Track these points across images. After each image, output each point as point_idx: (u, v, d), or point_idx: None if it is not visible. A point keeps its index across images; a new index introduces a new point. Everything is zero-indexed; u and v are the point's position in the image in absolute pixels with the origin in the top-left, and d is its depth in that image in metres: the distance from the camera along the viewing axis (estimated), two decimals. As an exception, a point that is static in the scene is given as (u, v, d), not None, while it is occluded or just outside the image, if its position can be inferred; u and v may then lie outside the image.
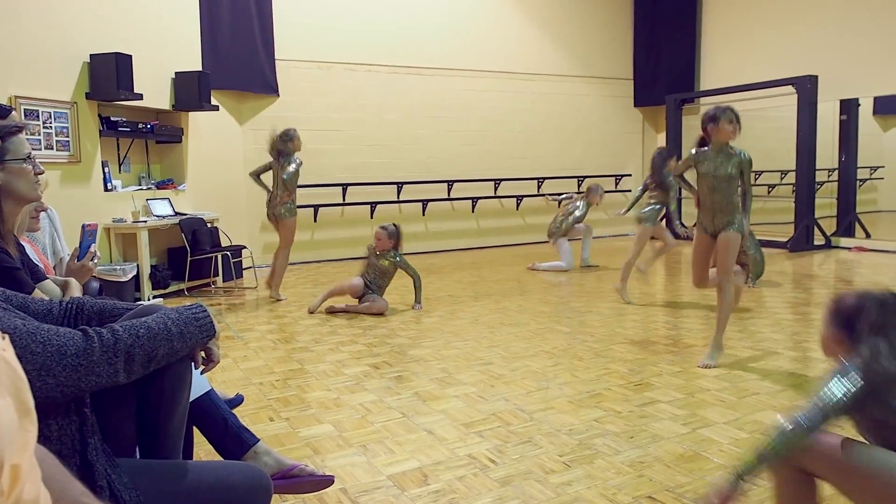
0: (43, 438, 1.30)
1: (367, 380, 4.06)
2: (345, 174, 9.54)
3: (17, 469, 0.75)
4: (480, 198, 10.67)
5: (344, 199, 9.59)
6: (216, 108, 8.00)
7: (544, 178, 11.20)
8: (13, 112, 2.54)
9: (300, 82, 9.35)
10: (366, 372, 4.22)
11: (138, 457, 1.65)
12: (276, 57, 9.04)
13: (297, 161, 6.70)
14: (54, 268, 3.33)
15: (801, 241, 9.58)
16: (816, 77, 9.38)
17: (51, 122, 6.24)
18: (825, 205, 9.92)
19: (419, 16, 10.08)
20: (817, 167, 9.62)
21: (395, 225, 6.21)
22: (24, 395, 0.81)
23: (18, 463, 0.76)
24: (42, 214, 3.40)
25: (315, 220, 9.53)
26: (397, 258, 6.13)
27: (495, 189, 10.81)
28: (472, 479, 2.68)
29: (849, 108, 9.56)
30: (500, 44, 10.74)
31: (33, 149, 2.17)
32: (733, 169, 4.06)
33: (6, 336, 0.86)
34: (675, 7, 11.59)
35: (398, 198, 10.04)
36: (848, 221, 9.71)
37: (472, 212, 10.74)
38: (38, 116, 6.11)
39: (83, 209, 6.34)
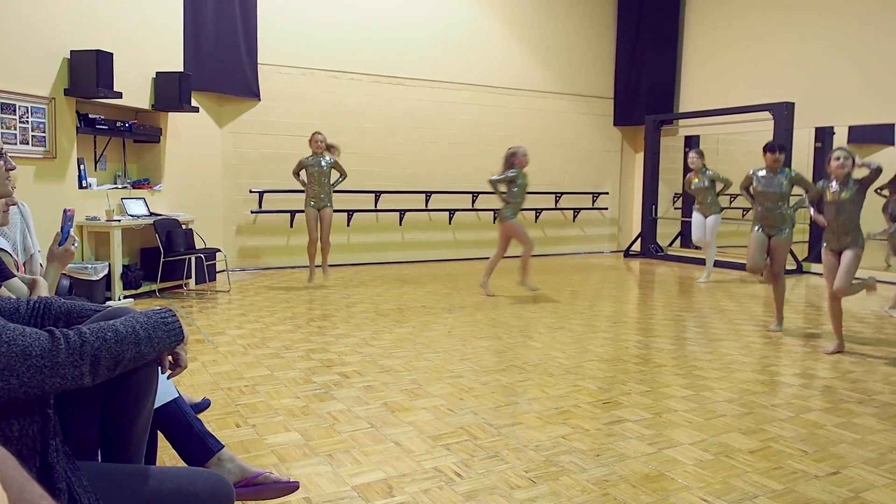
0: (3, 438, 1.28)
1: (337, 388, 4.04)
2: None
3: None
4: (458, 210, 10.70)
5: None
6: (196, 110, 7.95)
7: (522, 193, 11.25)
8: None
9: (282, 87, 9.34)
10: (335, 380, 4.21)
11: (100, 460, 1.63)
12: (258, 61, 9.03)
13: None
14: (24, 264, 3.29)
15: (773, 266, 9.70)
16: (793, 104, 9.55)
17: (27, 117, 6.16)
18: (798, 231, 10.04)
19: (403, 26, 10.12)
20: (791, 193, 9.74)
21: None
22: (-15, 396, 0.80)
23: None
24: (14, 209, 3.36)
25: (291, 226, 9.49)
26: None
27: (473, 202, 10.84)
28: (437, 493, 2.68)
29: (824, 136, 9.73)
30: (482, 58, 10.81)
31: (8, 143, 2.16)
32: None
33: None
34: (657, 29, 11.75)
35: (375, 206, 10.04)
36: (820, 248, 9.85)
37: (449, 223, 10.76)
38: (14, 111, 6.04)
39: (57, 206, 6.25)
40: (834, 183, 5.09)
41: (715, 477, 2.85)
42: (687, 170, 11.68)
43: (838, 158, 5.03)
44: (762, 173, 5.90)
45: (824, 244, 5.30)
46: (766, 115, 9.68)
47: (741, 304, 7.19)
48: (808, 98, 9.63)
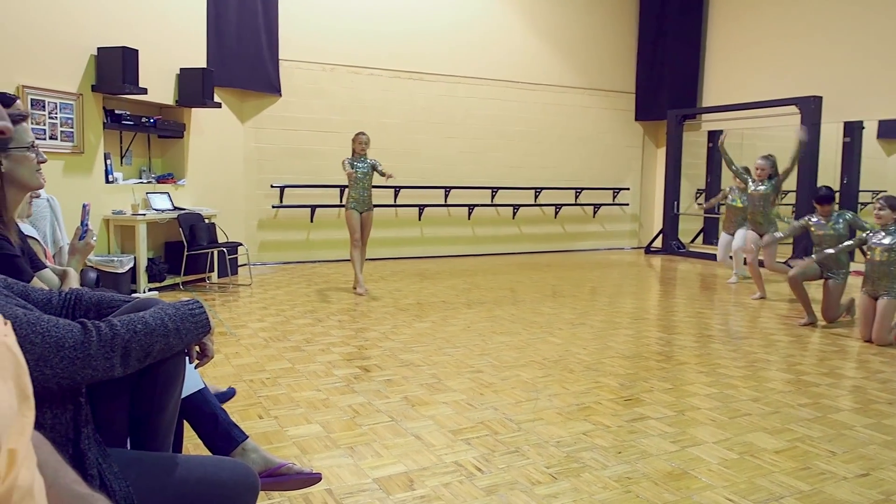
0: (37, 426, 1.30)
1: (357, 382, 4.06)
2: (342, 176, 9.52)
3: (13, 454, 0.75)
4: (477, 205, 10.69)
5: (341, 201, 9.58)
6: (219, 106, 8.02)
7: (542, 189, 11.23)
8: (18, 101, 2.56)
9: (302, 83, 9.38)
10: (356, 374, 4.23)
11: (129, 448, 1.66)
12: (279, 57, 9.07)
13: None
14: (54, 256, 3.34)
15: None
16: (821, 98, 9.40)
17: (56, 113, 6.25)
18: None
19: (423, 21, 10.12)
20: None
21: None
22: (23, 381, 0.82)
23: (15, 448, 0.76)
24: (44, 202, 3.41)
25: (311, 221, 9.54)
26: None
27: (492, 197, 10.83)
28: (457, 487, 2.68)
29: (853, 130, 9.55)
30: (503, 52, 10.78)
31: (38, 138, 2.20)
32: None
33: (8, 322, 0.86)
34: (679, 23, 11.64)
35: (395, 202, 10.06)
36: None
37: (469, 219, 10.76)
38: (44, 106, 6.12)
39: (84, 199, 6.33)
40: (882, 233, 5.38)
41: (740, 476, 2.82)
42: (711, 166, 11.62)
43: (881, 209, 5.35)
44: (815, 219, 6.03)
45: (862, 289, 5.51)
46: (793, 109, 9.54)
47: (765, 302, 7.12)
48: (837, 91, 9.46)
